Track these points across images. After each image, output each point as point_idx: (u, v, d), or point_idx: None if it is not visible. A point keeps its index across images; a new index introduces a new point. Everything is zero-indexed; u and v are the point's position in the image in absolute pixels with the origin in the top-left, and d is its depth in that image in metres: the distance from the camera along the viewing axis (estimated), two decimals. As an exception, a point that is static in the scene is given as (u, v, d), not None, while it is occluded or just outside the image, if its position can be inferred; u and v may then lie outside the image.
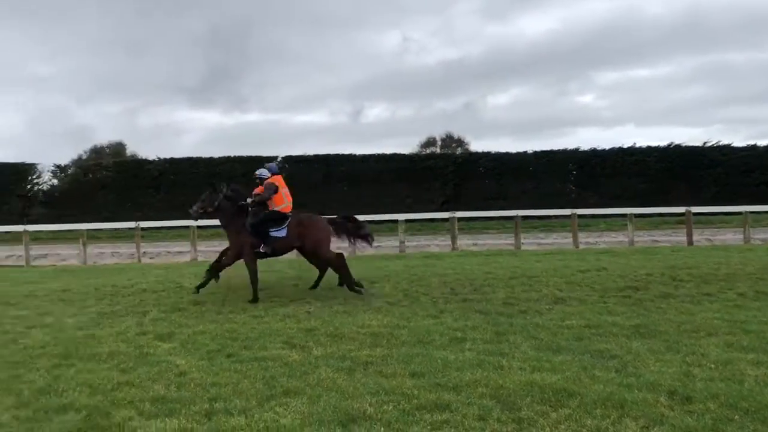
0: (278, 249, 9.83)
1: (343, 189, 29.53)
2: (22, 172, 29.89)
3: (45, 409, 4.52)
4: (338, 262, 9.73)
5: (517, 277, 10.86)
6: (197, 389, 4.94)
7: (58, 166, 31.03)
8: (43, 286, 11.46)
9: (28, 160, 30.26)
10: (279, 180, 10.21)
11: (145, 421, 4.27)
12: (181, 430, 4.10)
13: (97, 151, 50.49)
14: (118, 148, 51.82)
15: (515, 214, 18.59)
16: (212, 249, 19.94)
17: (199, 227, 18.17)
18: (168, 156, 30.20)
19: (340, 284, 9.83)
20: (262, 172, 10.18)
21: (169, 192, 28.91)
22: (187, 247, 18.57)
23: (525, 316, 7.59)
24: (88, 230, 18.30)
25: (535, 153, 29.93)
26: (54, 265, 16.89)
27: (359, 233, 10.48)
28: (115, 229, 24.56)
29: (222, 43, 73.54)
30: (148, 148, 50.67)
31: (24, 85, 71.72)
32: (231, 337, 6.73)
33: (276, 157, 30.04)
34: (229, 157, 29.90)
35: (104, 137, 72.90)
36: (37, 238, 22.98)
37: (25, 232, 17.71)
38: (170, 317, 7.97)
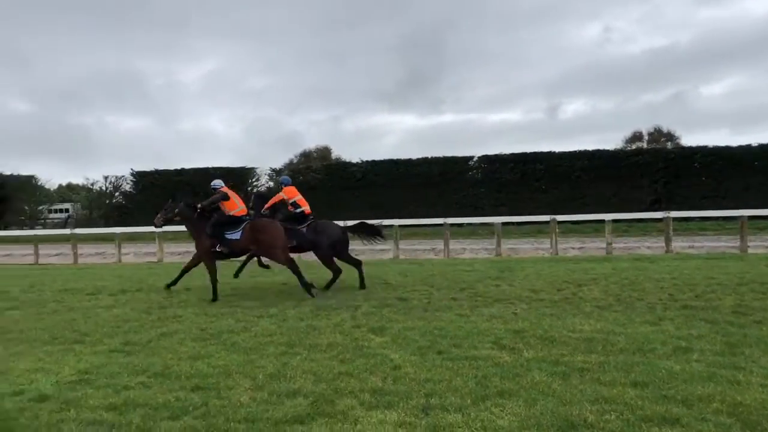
0: (234, 249, 10.49)
1: (541, 188, 28.81)
2: (244, 175, 33.03)
3: (277, 393, 4.88)
4: (292, 267, 10.07)
5: (746, 284, 9.80)
6: (412, 384, 5.04)
7: (274, 170, 33.90)
8: (265, 279, 12.50)
9: (248, 165, 33.46)
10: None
11: (366, 411, 4.45)
12: (400, 423, 4.20)
13: (306, 155, 54.36)
14: (325, 152, 55.42)
15: (740, 214, 16.76)
16: (411, 247, 20.52)
17: (399, 227, 18.78)
18: (370, 158, 31.64)
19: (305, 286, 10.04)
20: (216, 183, 10.98)
21: (371, 192, 30.25)
22: (390, 245, 19.22)
23: (761, 326, 6.79)
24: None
25: (761, 146, 26.84)
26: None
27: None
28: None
29: (419, 48, 75.63)
30: (350, 151, 53.93)
31: (244, 98, 79.67)
32: (440, 334, 6.81)
33: (472, 157, 30.17)
34: (426, 158, 30.55)
35: (312, 142, 78.51)
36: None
37: (248, 230, 19.49)
38: (380, 312, 8.28)
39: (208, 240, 10.42)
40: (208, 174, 32.38)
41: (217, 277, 10.24)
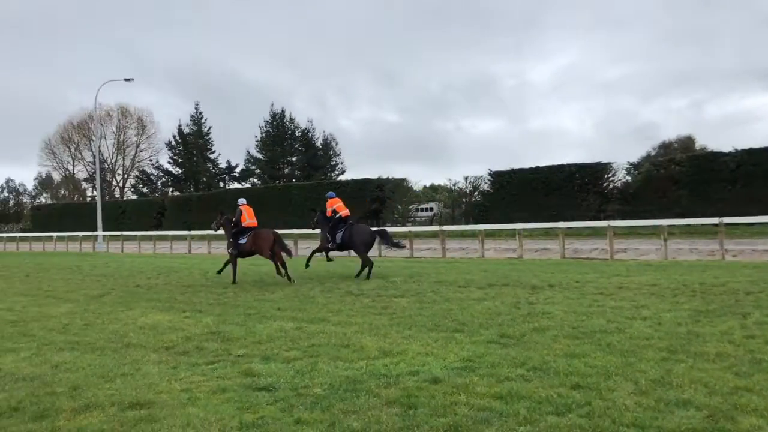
0: (243, 252, 14.42)
1: None
2: (598, 171, 32.11)
3: (664, 401, 4.58)
4: (273, 259, 14.20)
5: None
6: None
7: (632, 164, 32.24)
8: (631, 278, 11.97)
9: (602, 160, 32.40)
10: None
11: (777, 434, 3.90)
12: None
13: (665, 147, 50.77)
14: (687, 142, 51.03)
15: None
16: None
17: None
18: (744, 146, 27.97)
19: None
20: (240, 200, 15.05)
21: (747, 185, 26.76)
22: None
23: None
24: (667, 226, 18.45)
25: None
26: (635, 260, 17.50)
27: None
28: (689, 225, 24.03)
29: (806, 12, 64.42)
30: (717, 139, 49.13)
31: (595, 91, 77.70)
32: None
33: None
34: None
35: (670, 132, 72.91)
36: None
37: (609, 227, 18.90)
38: (777, 322, 7.23)
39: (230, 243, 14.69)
40: (563, 171, 32.39)
41: (235, 269, 14.48)
